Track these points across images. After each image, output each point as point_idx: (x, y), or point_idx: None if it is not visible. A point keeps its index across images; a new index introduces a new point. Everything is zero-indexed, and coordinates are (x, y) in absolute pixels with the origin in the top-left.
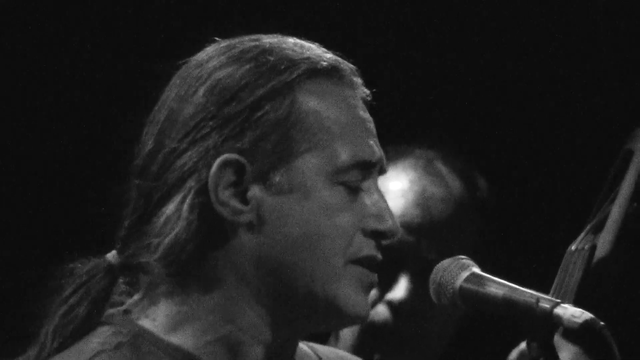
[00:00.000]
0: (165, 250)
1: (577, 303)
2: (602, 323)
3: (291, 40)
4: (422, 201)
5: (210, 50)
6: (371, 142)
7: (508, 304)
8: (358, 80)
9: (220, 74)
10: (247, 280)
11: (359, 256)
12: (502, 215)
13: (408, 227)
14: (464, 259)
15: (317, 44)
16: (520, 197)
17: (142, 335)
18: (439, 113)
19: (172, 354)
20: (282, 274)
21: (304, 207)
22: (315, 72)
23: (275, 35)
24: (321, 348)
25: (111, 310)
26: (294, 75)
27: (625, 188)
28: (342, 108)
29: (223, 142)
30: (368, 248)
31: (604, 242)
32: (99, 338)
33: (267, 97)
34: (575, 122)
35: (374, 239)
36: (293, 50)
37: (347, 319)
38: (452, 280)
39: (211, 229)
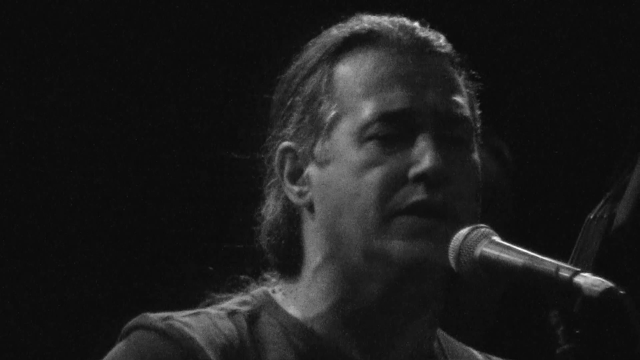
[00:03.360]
0: (263, 241)
1: (595, 271)
2: (622, 292)
3: (366, 17)
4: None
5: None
6: (395, 93)
7: (528, 273)
8: (417, 40)
9: (293, 66)
10: (326, 255)
11: (405, 205)
12: (522, 185)
13: None
14: (484, 227)
15: (393, 16)
16: (540, 167)
17: (269, 305)
18: None
19: (287, 325)
20: (341, 240)
21: (340, 172)
22: (355, 39)
23: (363, 15)
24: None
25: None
26: (329, 47)
27: None
28: (370, 67)
29: (280, 131)
30: (415, 194)
31: (623, 210)
32: (238, 300)
33: (304, 77)
34: (595, 93)
35: (421, 183)
36: (358, 21)
37: (404, 268)
38: (472, 248)
39: (292, 213)
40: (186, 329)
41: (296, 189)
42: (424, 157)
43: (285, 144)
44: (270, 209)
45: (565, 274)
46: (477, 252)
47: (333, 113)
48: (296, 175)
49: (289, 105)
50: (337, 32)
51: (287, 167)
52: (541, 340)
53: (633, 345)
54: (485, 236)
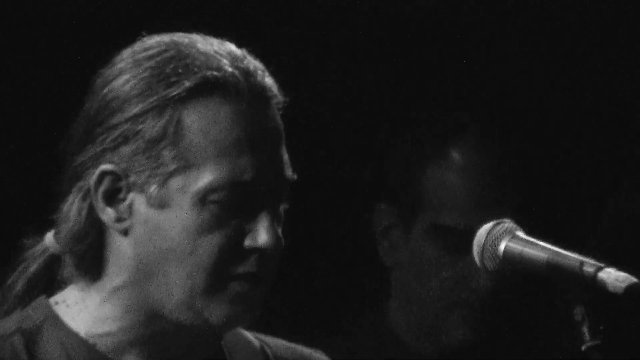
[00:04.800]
0: (63, 242)
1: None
2: None
3: (203, 43)
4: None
5: (126, 51)
6: (246, 161)
7: (552, 268)
8: (260, 90)
9: (118, 81)
10: (129, 284)
11: (235, 273)
12: (543, 179)
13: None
14: (508, 222)
15: (231, 45)
16: (561, 158)
17: (50, 320)
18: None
19: (66, 341)
20: (154, 283)
21: (175, 223)
22: (204, 86)
23: (194, 35)
24: (272, 341)
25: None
26: (180, 91)
27: None
28: (224, 126)
29: (104, 151)
30: (247, 265)
31: None
32: (18, 317)
33: (148, 111)
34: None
35: (254, 255)
36: (195, 59)
37: (218, 327)
38: (496, 244)
39: (99, 230)
40: None
41: (112, 213)
42: (262, 232)
43: (108, 167)
44: (73, 213)
45: (589, 269)
46: (501, 247)
47: (176, 165)
48: (112, 198)
49: (120, 131)
50: (164, 54)
51: (103, 187)
52: (564, 337)
53: None
54: (509, 231)
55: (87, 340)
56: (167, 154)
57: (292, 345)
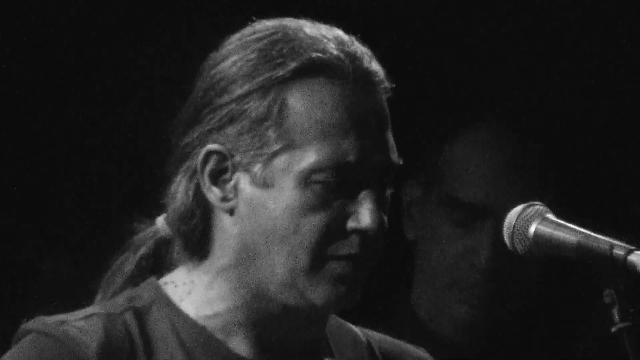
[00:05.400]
0: (171, 223)
1: None
2: None
3: (310, 27)
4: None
5: (235, 35)
6: (350, 143)
7: (582, 251)
8: (366, 74)
9: (226, 63)
10: (235, 264)
11: (337, 254)
12: (574, 162)
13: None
14: (538, 205)
15: (339, 30)
16: (595, 144)
17: (160, 300)
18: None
19: (176, 321)
20: (259, 262)
21: (277, 203)
22: (310, 68)
23: (302, 20)
24: (378, 336)
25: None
26: (285, 72)
27: None
28: (328, 107)
29: (210, 132)
30: (349, 247)
31: None
32: (128, 296)
33: (253, 92)
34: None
35: (357, 237)
36: (302, 41)
37: (321, 308)
38: (526, 226)
39: (205, 209)
40: (81, 336)
41: (218, 192)
42: (365, 214)
43: (214, 146)
44: (180, 194)
45: (619, 252)
46: (531, 229)
47: (280, 145)
48: (217, 178)
49: (225, 111)
50: (276, 41)
51: (209, 166)
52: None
53: None
54: (540, 214)
55: (196, 321)
56: (271, 134)
57: (397, 341)
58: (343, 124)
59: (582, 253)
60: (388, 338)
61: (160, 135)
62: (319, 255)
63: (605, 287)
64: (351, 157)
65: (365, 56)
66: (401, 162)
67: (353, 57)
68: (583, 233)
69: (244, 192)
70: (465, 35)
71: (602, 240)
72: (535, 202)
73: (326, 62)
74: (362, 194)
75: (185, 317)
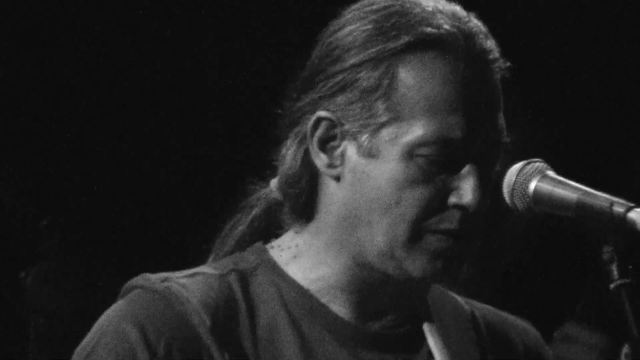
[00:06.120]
0: (279, 185)
1: None
2: None
3: (427, 1)
4: None
5: (355, 5)
6: (457, 119)
7: (582, 208)
8: (480, 52)
9: (343, 32)
10: (339, 230)
11: (436, 228)
12: (575, 122)
13: None
14: (538, 162)
15: (456, 6)
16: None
17: (265, 263)
18: None
19: (281, 285)
20: (360, 230)
21: (383, 173)
22: (422, 42)
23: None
24: (482, 306)
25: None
26: (398, 45)
27: None
28: (438, 83)
29: (321, 98)
30: (449, 222)
31: None
32: (235, 259)
33: (365, 62)
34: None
35: (458, 212)
36: (417, 15)
37: (418, 280)
38: (526, 183)
39: (312, 174)
40: (183, 291)
41: (325, 158)
42: (467, 191)
43: (325, 113)
44: (289, 157)
45: (619, 209)
46: (531, 186)
47: (388, 117)
48: (326, 144)
49: (338, 79)
50: (396, 15)
51: (319, 132)
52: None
53: None
54: (540, 171)
55: (300, 284)
56: (380, 105)
57: (502, 313)
58: (451, 100)
59: (582, 210)
60: (492, 309)
61: (279, 98)
62: (419, 228)
63: (604, 244)
64: (457, 134)
65: (481, 34)
66: (508, 142)
67: (467, 34)
68: (583, 190)
69: (350, 160)
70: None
71: (602, 197)
72: (536, 159)
73: (439, 38)
74: (465, 171)
75: (290, 281)
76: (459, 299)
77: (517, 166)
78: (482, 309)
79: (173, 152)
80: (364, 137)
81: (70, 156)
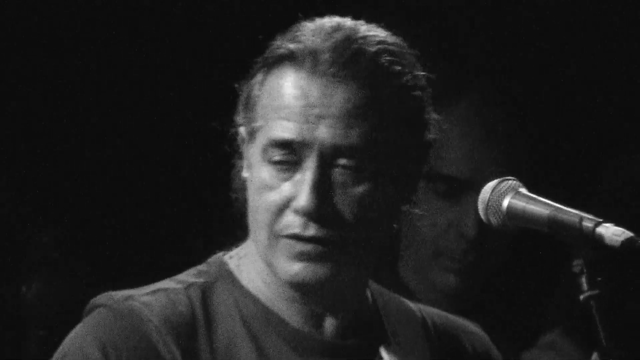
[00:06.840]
0: (234, 201)
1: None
2: None
3: (324, 21)
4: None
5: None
6: (291, 124)
7: (553, 223)
8: (325, 67)
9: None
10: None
11: (285, 233)
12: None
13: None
14: (511, 180)
15: (337, 22)
16: (565, 119)
17: (223, 274)
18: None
19: (238, 296)
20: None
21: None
22: (282, 56)
23: (342, 18)
24: (431, 310)
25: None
26: (270, 57)
27: None
28: (284, 92)
29: (237, 115)
30: (292, 227)
31: None
32: (196, 271)
33: (254, 75)
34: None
35: (297, 216)
36: (295, 31)
37: (288, 283)
38: (500, 200)
39: (243, 185)
40: (145, 310)
41: (245, 170)
42: (302, 195)
43: (241, 128)
44: (235, 170)
45: (588, 224)
46: (505, 203)
47: (255, 124)
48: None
49: (243, 94)
50: (284, 41)
51: (242, 146)
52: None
53: None
54: (513, 188)
55: (253, 294)
56: (253, 114)
57: (451, 316)
58: (290, 107)
59: (553, 225)
60: (442, 313)
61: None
62: (272, 234)
63: (575, 257)
64: (287, 135)
65: (333, 50)
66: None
67: (314, 50)
68: (554, 206)
69: (248, 170)
70: (444, 10)
71: (572, 213)
72: (509, 177)
73: (292, 53)
74: (302, 175)
75: (245, 291)
76: (410, 304)
77: (491, 184)
78: (432, 313)
79: (176, 164)
80: (250, 147)
81: (71, 167)
